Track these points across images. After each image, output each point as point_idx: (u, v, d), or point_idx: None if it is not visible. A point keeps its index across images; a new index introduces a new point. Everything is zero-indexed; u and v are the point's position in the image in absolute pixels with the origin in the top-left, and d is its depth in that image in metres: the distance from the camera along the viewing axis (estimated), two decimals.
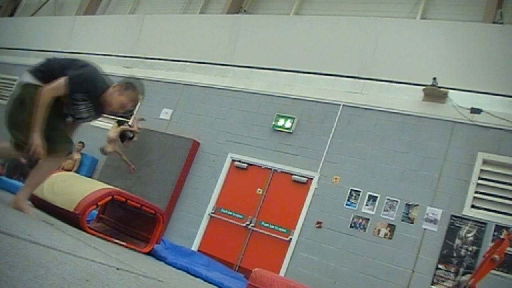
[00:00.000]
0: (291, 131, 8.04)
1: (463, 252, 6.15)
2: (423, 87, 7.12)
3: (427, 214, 6.53)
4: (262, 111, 8.49)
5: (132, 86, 3.64)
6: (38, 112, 3.33)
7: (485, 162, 6.49)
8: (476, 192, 6.39)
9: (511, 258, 5.56)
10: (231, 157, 8.44)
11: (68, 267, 1.66)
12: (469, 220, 6.25)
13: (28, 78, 3.51)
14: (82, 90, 3.47)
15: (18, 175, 10.32)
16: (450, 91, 7.01)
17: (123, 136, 9.02)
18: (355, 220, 6.96)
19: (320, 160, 7.59)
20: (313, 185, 7.50)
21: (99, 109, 3.70)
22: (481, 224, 6.15)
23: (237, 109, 8.78)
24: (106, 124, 10.54)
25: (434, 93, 7.05)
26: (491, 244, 5.48)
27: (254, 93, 8.73)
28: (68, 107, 3.57)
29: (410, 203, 6.71)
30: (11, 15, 16.35)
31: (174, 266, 5.34)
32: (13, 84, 13.15)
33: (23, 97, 3.43)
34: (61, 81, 3.42)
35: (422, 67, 7.32)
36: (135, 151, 9.17)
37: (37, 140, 3.33)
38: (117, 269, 2.18)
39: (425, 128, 7.03)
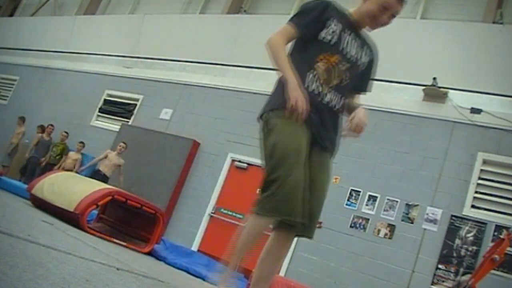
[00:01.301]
0: None
1: (463, 252, 6.15)
2: (423, 87, 7.11)
3: (427, 214, 6.52)
4: None
5: None
6: (278, 58, 2.48)
7: (485, 162, 6.49)
8: (476, 192, 6.39)
9: (511, 258, 5.56)
10: (231, 157, 8.43)
11: (68, 267, 1.66)
12: (469, 220, 6.25)
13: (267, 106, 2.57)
14: (316, 15, 2.47)
15: (21, 176, 10.24)
16: (450, 91, 7.01)
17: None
18: (355, 220, 6.96)
19: None
20: None
21: (361, 36, 2.60)
22: (481, 224, 6.15)
23: (237, 109, 8.77)
24: (106, 124, 10.55)
25: (434, 93, 7.05)
26: (491, 244, 5.47)
27: (254, 93, 8.72)
28: (340, 69, 2.54)
29: (410, 203, 6.71)
30: (11, 15, 16.34)
31: (174, 266, 5.35)
32: (13, 84, 13.13)
33: (265, 122, 2.49)
34: (283, 27, 2.53)
35: (422, 67, 7.31)
36: (135, 151, 9.17)
37: (294, 90, 2.29)
38: (117, 269, 2.19)
39: (425, 128, 7.03)
